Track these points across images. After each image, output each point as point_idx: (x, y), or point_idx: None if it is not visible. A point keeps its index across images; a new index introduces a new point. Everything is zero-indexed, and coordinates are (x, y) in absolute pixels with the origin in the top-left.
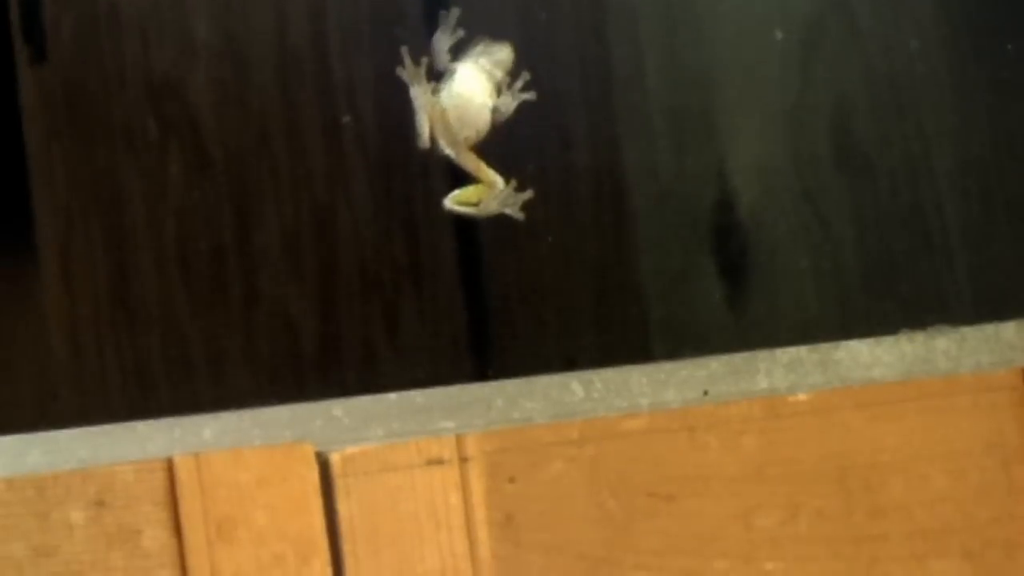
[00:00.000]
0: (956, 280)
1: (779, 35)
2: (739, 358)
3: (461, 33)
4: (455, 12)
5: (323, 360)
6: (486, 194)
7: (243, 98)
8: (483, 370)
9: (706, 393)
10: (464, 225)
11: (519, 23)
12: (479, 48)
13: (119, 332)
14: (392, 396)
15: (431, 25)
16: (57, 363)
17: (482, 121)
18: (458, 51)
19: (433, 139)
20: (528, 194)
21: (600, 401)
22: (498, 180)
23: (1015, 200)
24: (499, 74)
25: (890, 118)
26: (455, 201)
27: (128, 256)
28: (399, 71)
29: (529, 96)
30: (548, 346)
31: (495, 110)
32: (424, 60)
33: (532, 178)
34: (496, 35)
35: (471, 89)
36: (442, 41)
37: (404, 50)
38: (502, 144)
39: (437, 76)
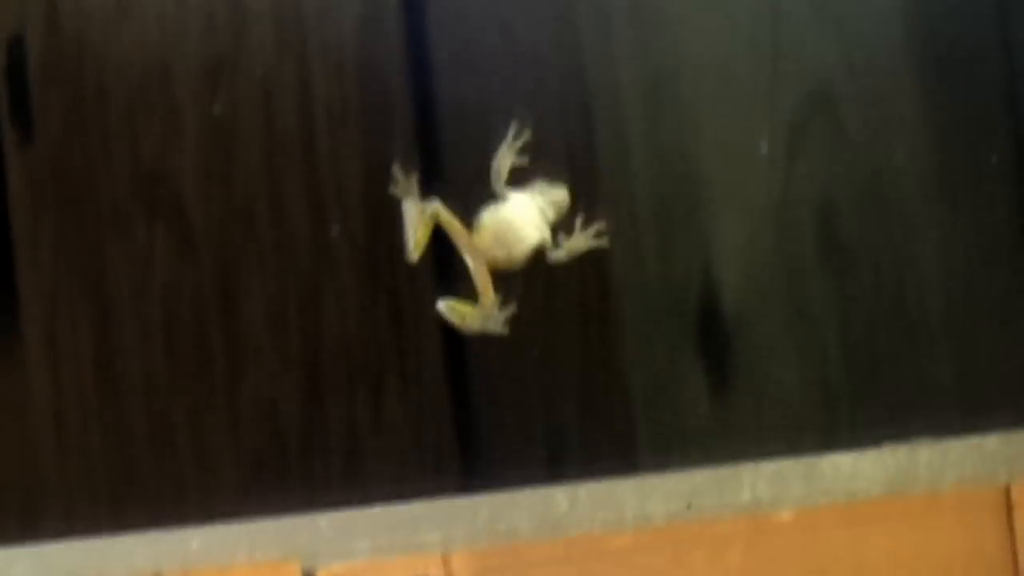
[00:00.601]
0: (940, 379)
1: (766, 132)
2: (723, 471)
3: (524, 158)
4: (523, 133)
5: (307, 452)
6: (473, 313)
7: (229, 181)
8: (468, 468)
9: (690, 505)
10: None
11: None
12: (538, 186)
13: (104, 417)
14: (377, 509)
15: (419, 111)
16: (43, 456)
17: (519, 249)
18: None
19: (420, 249)
20: (510, 311)
21: (585, 513)
22: (495, 310)
23: (997, 303)
24: (551, 214)
25: (874, 217)
26: (447, 307)
27: (113, 338)
28: (391, 188)
29: (603, 243)
30: (534, 446)
31: (543, 247)
32: (415, 175)
33: (518, 272)
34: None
35: (519, 217)
36: (503, 159)
37: (395, 167)
38: None
39: (492, 197)
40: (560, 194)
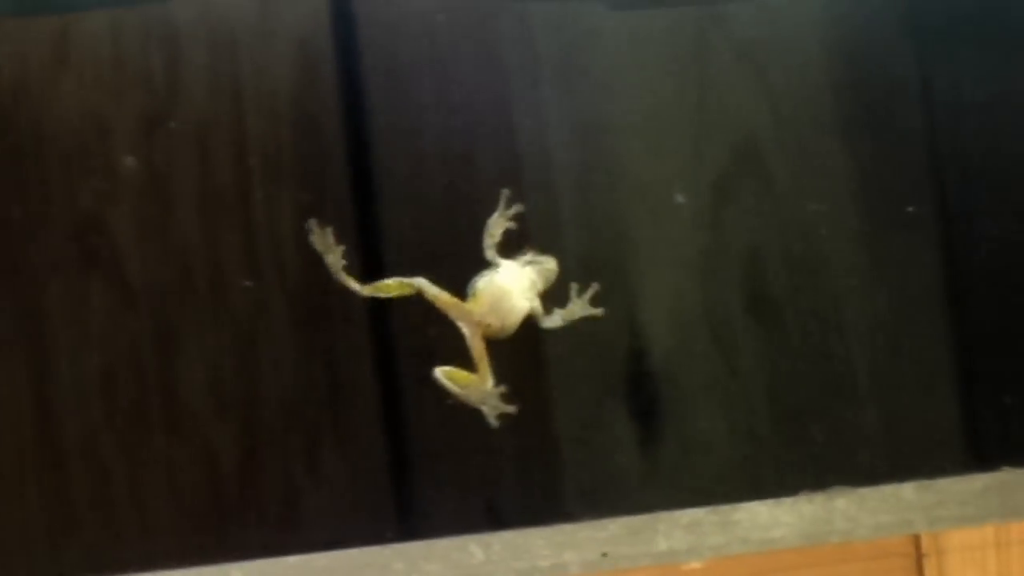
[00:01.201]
0: (864, 430)
1: (691, 185)
2: (638, 520)
3: (513, 222)
4: (513, 204)
5: (243, 502)
6: (472, 384)
7: (165, 232)
8: (405, 518)
9: (605, 555)
10: (384, 358)
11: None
12: (528, 256)
13: (41, 466)
14: (291, 559)
15: (353, 163)
16: None
17: (511, 318)
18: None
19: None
20: (512, 409)
21: (500, 563)
22: (489, 380)
23: (920, 354)
24: (541, 284)
25: (800, 269)
26: (444, 375)
27: (50, 387)
28: (312, 240)
29: (598, 312)
30: (469, 496)
31: (534, 316)
32: (329, 229)
33: (449, 324)
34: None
35: (511, 286)
36: (496, 226)
37: (312, 222)
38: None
39: (484, 264)
40: (550, 264)
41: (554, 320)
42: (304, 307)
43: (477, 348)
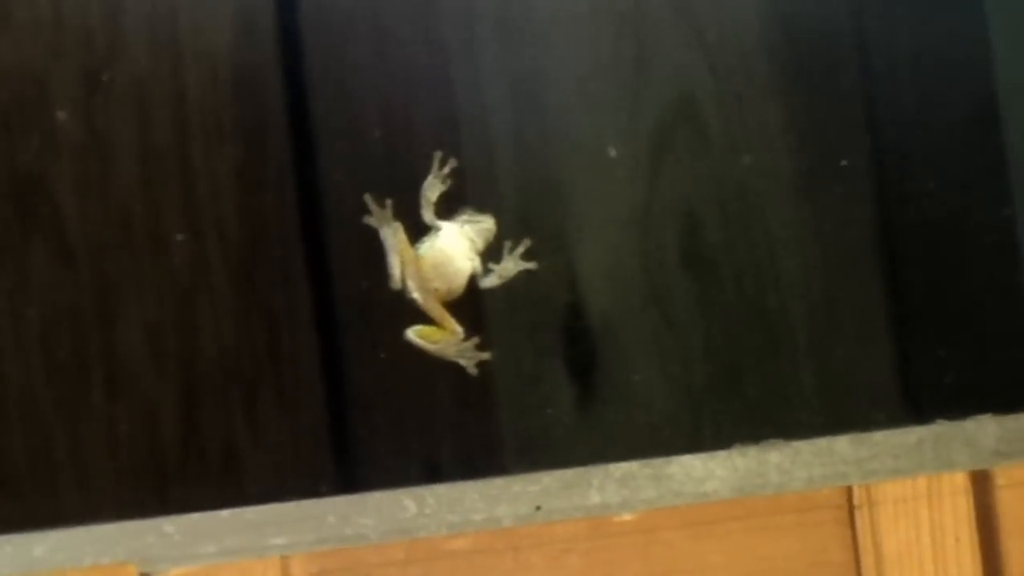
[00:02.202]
0: (800, 384)
1: (629, 140)
2: (571, 473)
3: (449, 183)
4: (448, 161)
5: (184, 459)
6: (446, 338)
7: (105, 192)
8: (344, 473)
9: (539, 508)
10: (323, 314)
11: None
12: (465, 215)
13: None
14: (224, 513)
15: (293, 122)
16: None
17: (457, 281)
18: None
19: (404, 282)
20: (486, 355)
21: (432, 517)
22: (458, 330)
23: (855, 308)
24: (480, 243)
25: (737, 224)
26: (417, 334)
27: None
28: (366, 218)
29: (531, 266)
30: (408, 451)
31: (475, 275)
32: (389, 202)
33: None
34: None
35: (452, 248)
36: (432, 189)
37: (368, 197)
38: (363, 236)
39: (422, 227)
40: (488, 223)
41: (491, 279)
42: (243, 263)
43: (435, 312)
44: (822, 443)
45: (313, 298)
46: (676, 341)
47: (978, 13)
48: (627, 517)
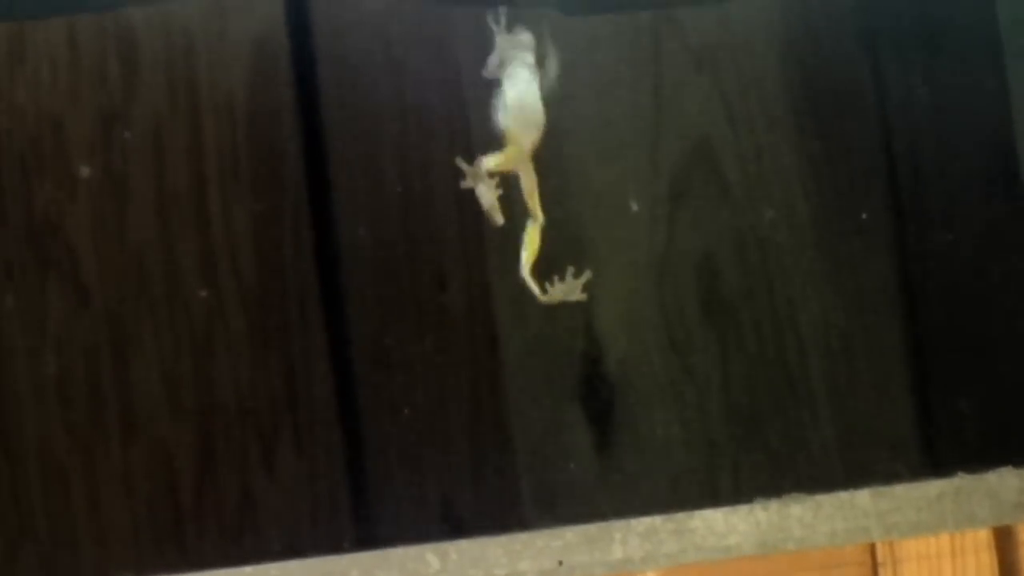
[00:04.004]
0: (819, 435)
1: (647, 188)
2: (594, 528)
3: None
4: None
5: (200, 505)
6: (559, 287)
7: (122, 234)
8: (362, 522)
9: (561, 563)
10: (341, 363)
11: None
12: (505, 45)
13: None
14: (247, 569)
15: (310, 167)
16: None
17: (538, 117)
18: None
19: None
20: (587, 275)
21: (456, 572)
22: (539, 215)
23: (874, 359)
24: (531, 58)
25: (755, 273)
26: (530, 278)
27: (7, 390)
28: (463, 182)
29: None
30: (427, 500)
31: (544, 96)
32: (479, 159)
33: (407, 320)
34: None
35: (520, 91)
36: (503, 44)
37: (459, 160)
38: (381, 283)
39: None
40: (524, 35)
41: (553, 294)
42: (260, 310)
43: (528, 183)
44: (844, 496)
45: (331, 348)
46: (694, 390)
47: (997, 65)
48: (651, 574)
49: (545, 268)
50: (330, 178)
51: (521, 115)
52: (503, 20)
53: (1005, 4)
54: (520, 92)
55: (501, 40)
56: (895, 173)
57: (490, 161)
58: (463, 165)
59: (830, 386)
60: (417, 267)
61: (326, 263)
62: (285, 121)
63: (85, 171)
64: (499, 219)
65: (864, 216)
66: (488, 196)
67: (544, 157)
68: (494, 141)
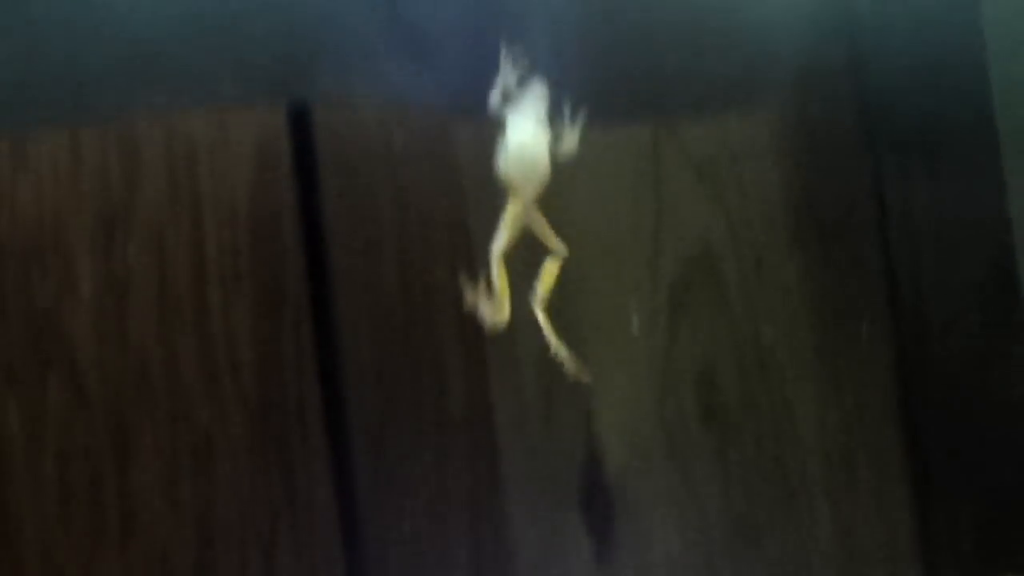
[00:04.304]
0: (819, 545)
1: (648, 298)
2: None
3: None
4: (515, 50)
5: None
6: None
7: (123, 335)
8: None
9: None
10: (340, 470)
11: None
12: (516, 94)
13: None
14: None
15: (311, 271)
16: None
17: (541, 169)
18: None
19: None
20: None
21: None
22: (561, 247)
23: (874, 467)
24: (543, 111)
25: (755, 383)
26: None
27: (6, 491)
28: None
29: (582, 120)
30: None
31: (553, 150)
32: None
33: (406, 428)
34: None
35: (525, 141)
36: (508, 77)
37: (462, 278)
38: (381, 390)
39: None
40: (536, 87)
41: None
42: (260, 409)
43: (539, 225)
44: None
45: (332, 451)
46: (694, 498)
47: (996, 180)
48: None
49: (545, 377)
50: (331, 283)
51: (521, 164)
52: (513, 51)
53: (1006, 113)
54: (524, 141)
55: (505, 67)
56: (895, 286)
57: (500, 243)
58: (466, 288)
59: (831, 499)
60: (418, 375)
61: (326, 364)
62: (287, 225)
63: (87, 273)
64: (503, 317)
65: (864, 329)
66: (497, 300)
67: (542, 262)
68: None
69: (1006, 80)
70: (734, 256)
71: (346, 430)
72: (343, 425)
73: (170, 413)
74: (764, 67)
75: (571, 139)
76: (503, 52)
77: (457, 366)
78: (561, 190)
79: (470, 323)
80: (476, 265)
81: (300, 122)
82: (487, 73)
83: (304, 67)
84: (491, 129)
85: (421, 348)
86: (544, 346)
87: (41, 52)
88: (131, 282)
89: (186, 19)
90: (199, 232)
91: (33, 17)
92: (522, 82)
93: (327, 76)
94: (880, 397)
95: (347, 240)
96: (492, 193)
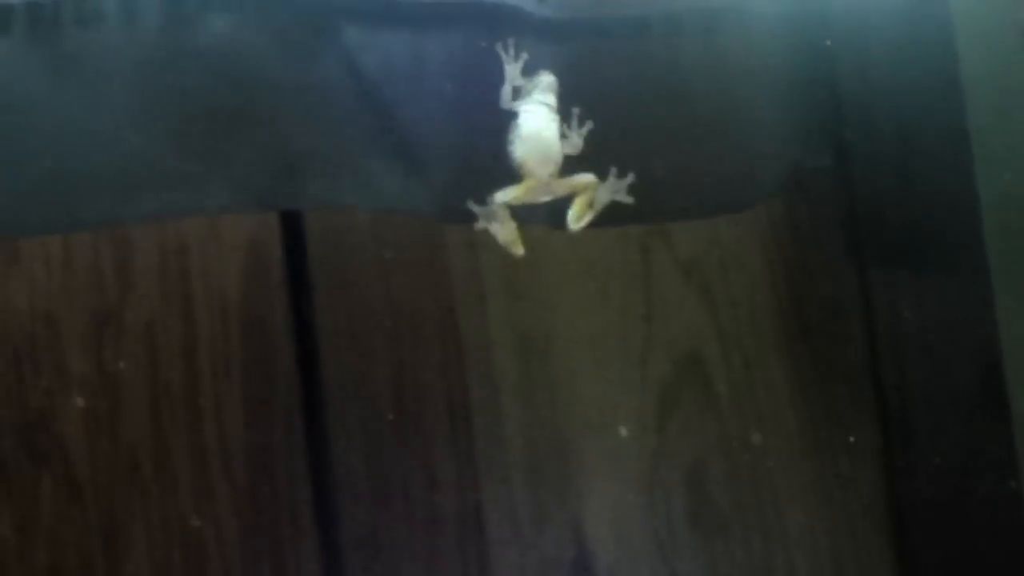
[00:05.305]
0: None
1: (637, 398)
2: None
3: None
4: (514, 45)
5: None
6: (594, 189)
7: (114, 431)
8: None
9: None
10: (331, 569)
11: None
12: (528, 86)
13: None
14: None
15: (302, 368)
16: None
17: (555, 152)
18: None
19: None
20: (630, 178)
21: None
22: (592, 179)
23: (863, 568)
24: (553, 100)
25: (744, 484)
26: (576, 218)
27: None
28: (475, 226)
29: (589, 126)
30: None
31: (563, 139)
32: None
33: (398, 527)
34: None
35: (538, 125)
36: (512, 73)
37: (470, 202)
38: (372, 491)
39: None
40: (547, 77)
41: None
42: (251, 503)
43: (564, 188)
44: None
45: (321, 547)
46: None
47: (984, 285)
48: None
49: (534, 475)
50: (323, 384)
51: (537, 148)
52: (512, 50)
53: (993, 219)
54: (537, 126)
55: (511, 69)
56: (882, 393)
57: (506, 195)
58: (474, 208)
59: None
60: (409, 475)
61: (316, 456)
62: (277, 319)
63: (78, 368)
64: (519, 251)
65: (852, 439)
66: (504, 231)
67: (533, 363)
68: (478, 364)
69: (993, 188)
70: (722, 358)
71: (337, 530)
72: (334, 525)
73: (161, 509)
74: (753, 171)
75: (576, 142)
76: (503, 52)
77: (448, 466)
78: (551, 293)
79: (460, 424)
80: (466, 367)
81: (292, 217)
82: (476, 180)
83: (295, 173)
84: (480, 235)
85: (411, 448)
86: (535, 447)
87: (31, 161)
88: (122, 378)
89: (175, 127)
90: (191, 327)
91: (24, 126)
92: (527, 73)
93: (318, 182)
94: (869, 503)
95: (338, 341)
96: (482, 297)
